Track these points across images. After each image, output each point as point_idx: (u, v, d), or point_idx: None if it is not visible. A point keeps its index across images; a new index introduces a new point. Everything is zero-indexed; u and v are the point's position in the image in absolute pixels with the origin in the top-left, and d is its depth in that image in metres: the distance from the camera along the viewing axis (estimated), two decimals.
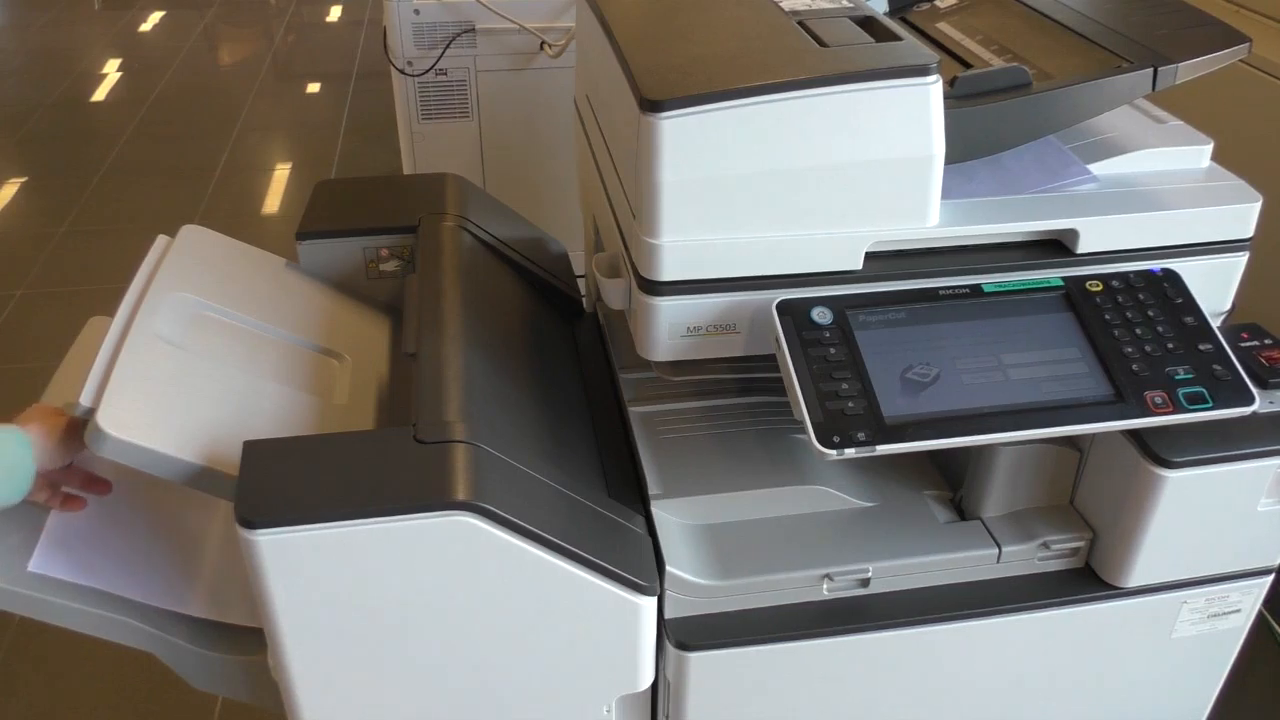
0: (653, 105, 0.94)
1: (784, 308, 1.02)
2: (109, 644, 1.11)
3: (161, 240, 1.23)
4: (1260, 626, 1.88)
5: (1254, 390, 1.01)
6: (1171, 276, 1.08)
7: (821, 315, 1.02)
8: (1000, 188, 1.10)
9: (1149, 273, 1.08)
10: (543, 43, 2.26)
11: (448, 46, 2.24)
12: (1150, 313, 1.05)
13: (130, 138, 4.19)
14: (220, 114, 4.42)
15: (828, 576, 1.10)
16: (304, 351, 1.21)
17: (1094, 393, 1.01)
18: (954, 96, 1.06)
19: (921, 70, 0.97)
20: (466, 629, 1.01)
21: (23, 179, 3.89)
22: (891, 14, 1.40)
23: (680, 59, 1.03)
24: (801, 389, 0.98)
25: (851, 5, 1.13)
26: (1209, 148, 1.17)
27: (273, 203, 3.76)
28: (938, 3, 1.41)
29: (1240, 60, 1.13)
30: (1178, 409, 1.00)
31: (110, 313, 1.09)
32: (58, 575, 1.06)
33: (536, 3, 2.23)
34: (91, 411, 0.95)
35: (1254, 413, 1.01)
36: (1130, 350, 1.03)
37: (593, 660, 1.06)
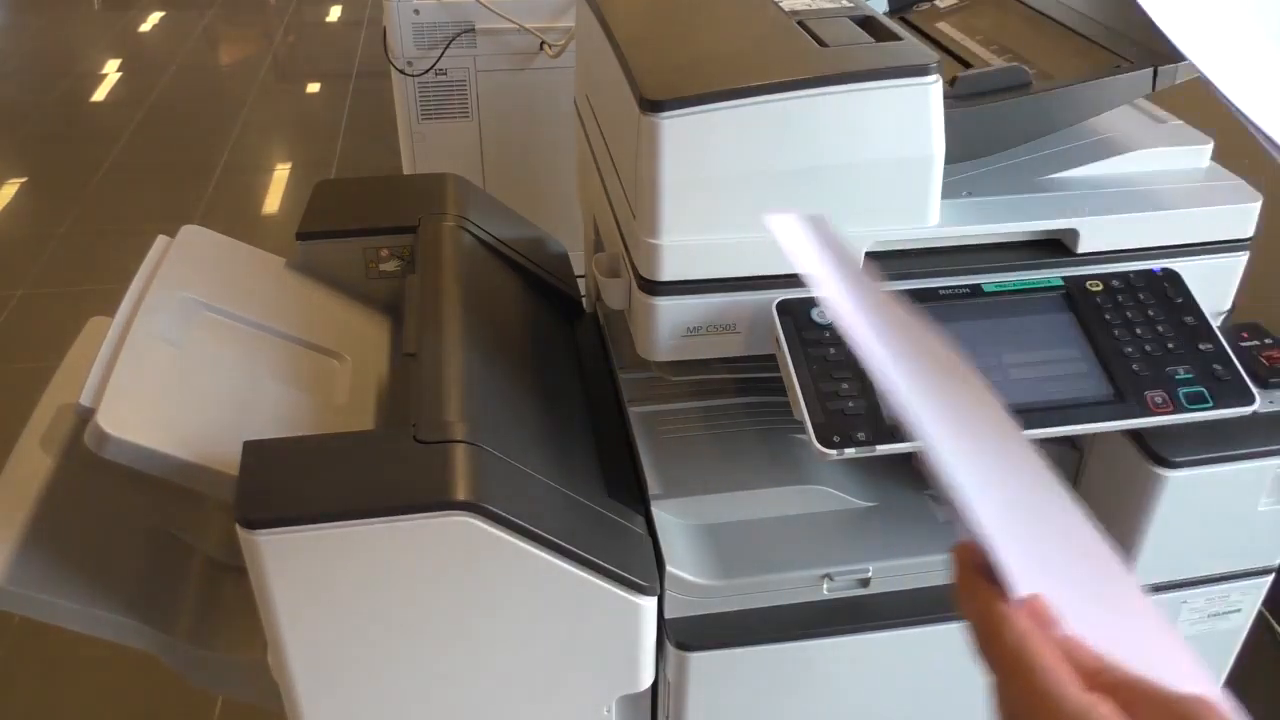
0: (653, 105, 0.94)
1: (784, 308, 1.02)
2: (109, 644, 1.11)
3: (161, 240, 1.23)
4: (1260, 626, 1.88)
5: (1254, 390, 1.01)
6: (1172, 276, 1.08)
7: (821, 315, 1.02)
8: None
9: (1149, 272, 1.08)
10: (543, 43, 2.26)
11: (448, 46, 2.23)
12: (1150, 312, 1.05)
13: (130, 138, 4.19)
14: (220, 114, 4.42)
15: (828, 576, 1.10)
16: (304, 351, 1.21)
17: (1094, 392, 1.01)
18: (954, 96, 1.06)
19: (921, 70, 0.97)
20: (466, 629, 1.01)
21: (23, 179, 3.88)
22: (891, 14, 1.40)
23: (680, 59, 1.03)
24: (801, 389, 0.98)
25: (851, 5, 1.13)
26: (1209, 147, 1.17)
27: (273, 203, 3.76)
28: (938, 3, 1.41)
29: None
30: (1178, 409, 1.00)
31: (110, 313, 1.09)
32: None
33: (536, 3, 2.23)
34: (91, 411, 0.95)
35: (1254, 412, 1.01)
36: (1130, 350, 1.03)
37: (593, 660, 1.06)
